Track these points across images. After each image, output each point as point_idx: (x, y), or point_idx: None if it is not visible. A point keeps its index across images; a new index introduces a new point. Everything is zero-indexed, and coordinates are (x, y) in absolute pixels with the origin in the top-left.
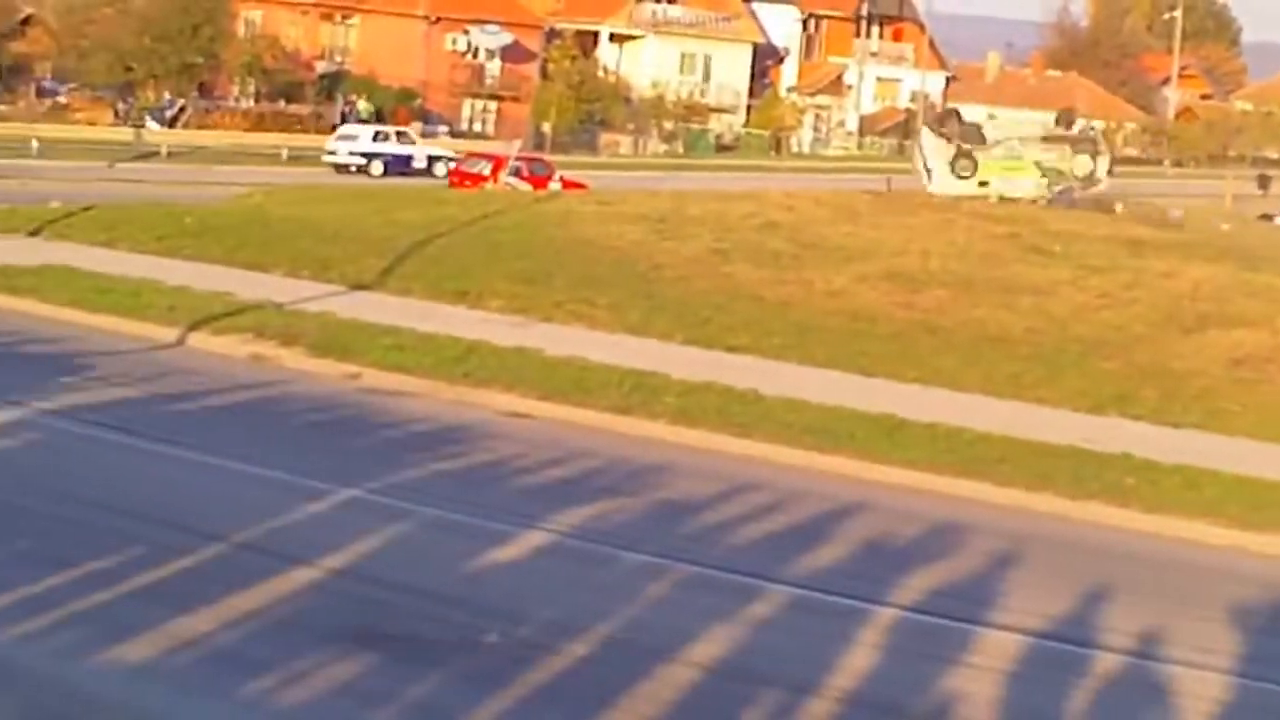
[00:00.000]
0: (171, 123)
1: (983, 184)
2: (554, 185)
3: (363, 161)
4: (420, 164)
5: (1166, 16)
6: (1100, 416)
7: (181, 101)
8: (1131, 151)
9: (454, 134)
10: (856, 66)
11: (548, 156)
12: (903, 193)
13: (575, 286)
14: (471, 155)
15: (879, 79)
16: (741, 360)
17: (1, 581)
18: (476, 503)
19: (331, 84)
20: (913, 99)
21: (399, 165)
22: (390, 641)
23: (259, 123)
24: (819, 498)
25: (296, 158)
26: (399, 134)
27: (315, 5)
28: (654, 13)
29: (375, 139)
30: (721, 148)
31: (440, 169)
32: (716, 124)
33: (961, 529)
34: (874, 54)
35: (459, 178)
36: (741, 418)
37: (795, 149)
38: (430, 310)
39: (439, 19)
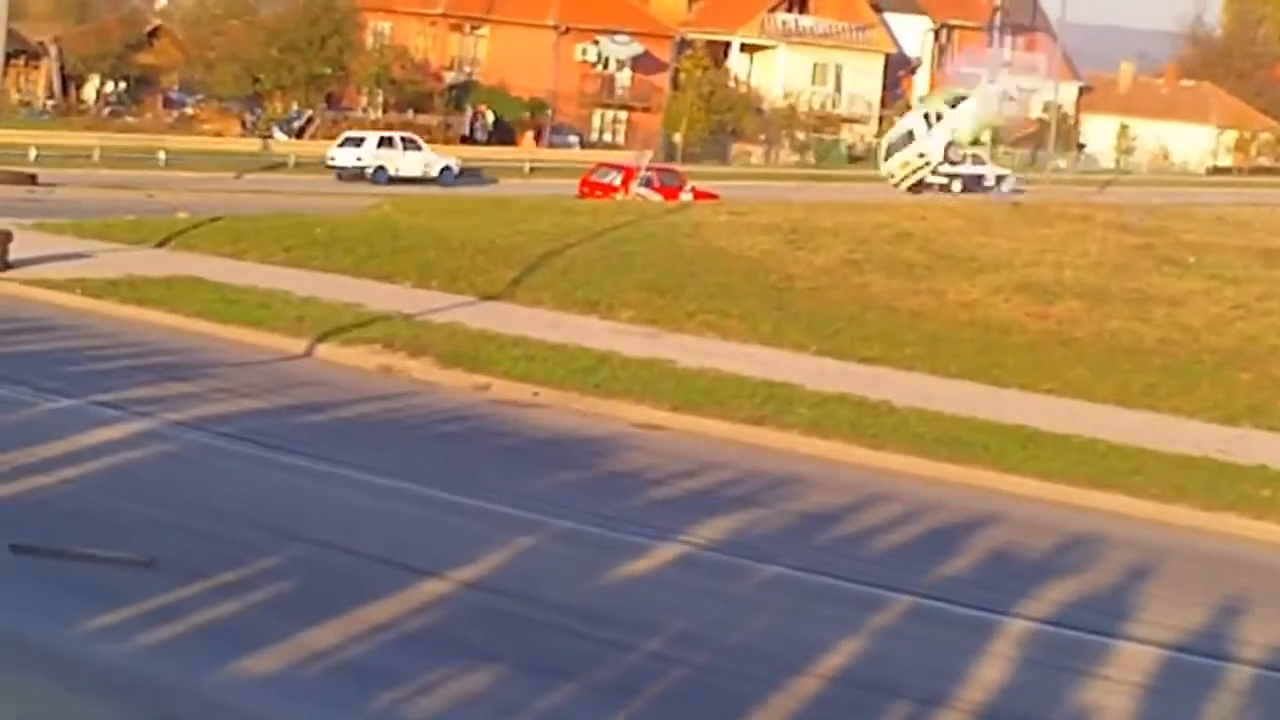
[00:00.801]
0: (299, 134)
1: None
2: (685, 196)
3: (364, 166)
4: (431, 173)
5: None
6: (1235, 428)
7: (309, 112)
8: (1264, 161)
9: (584, 145)
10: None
11: (679, 167)
12: (1037, 203)
13: (707, 297)
14: (601, 165)
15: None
16: (874, 371)
17: (134, 591)
18: (609, 515)
19: (460, 94)
20: (1045, 109)
21: (409, 172)
22: (521, 654)
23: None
24: (952, 509)
25: None
26: (405, 141)
27: (444, 16)
28: (785, 23)
29: (380, 145)
30: (854, 158)
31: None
32: (848, 134)
33: (1095, 541)
34: (1006, 64)
35: (589, 188)
36: (874, 429)
37: None
38: (560, 321)
39: (569, 29)
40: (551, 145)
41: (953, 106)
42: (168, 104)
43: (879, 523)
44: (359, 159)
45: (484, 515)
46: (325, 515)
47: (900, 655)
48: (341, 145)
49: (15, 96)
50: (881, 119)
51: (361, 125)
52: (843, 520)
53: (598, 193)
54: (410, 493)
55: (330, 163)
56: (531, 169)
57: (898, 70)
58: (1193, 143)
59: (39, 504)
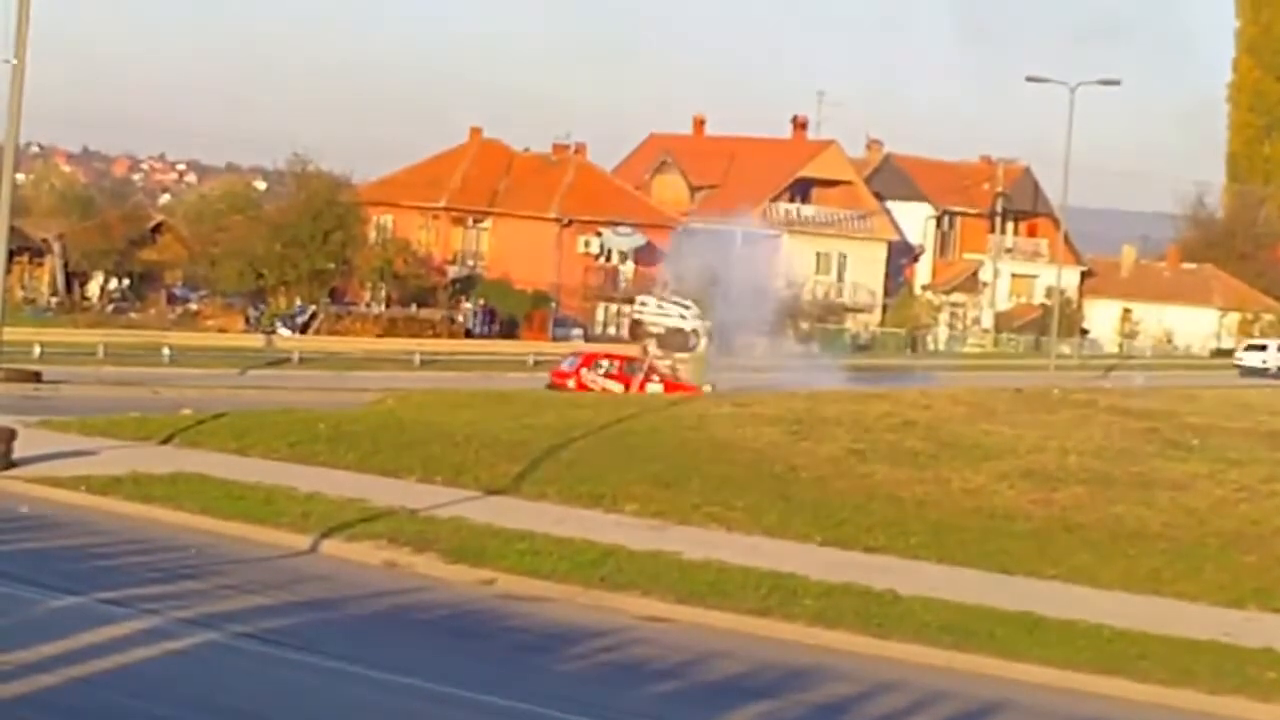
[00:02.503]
0: (303, 329)
1: None
2: (652, 387)
3: None
4: None
5: None
6: (1241, 611)
7: (313, 307)
8: (1269, 342)
9: (588, 337)
10: (991, 263)
11: (643, 356)
12: (1040, 390)
13: (712, 489)
14: (574, 354)
15: (1014, 275)
16: (879, 560)
17: None
18: (618, 709)
19: (464, 288)
20: (1048, 294)
21: None
22: None
23: (391, 328)
24: (960, 698)
25: (429, 362)
26: None
27: (447, 209)
28: (788, 212)
29: None
30: (858, 347)
31: None
32: (852, 323)
33: None
34: (1008, 250)
35: (556, 377)
36: (880, 618)
37: (931, 347)
38: (565, 515)
39: (571, 221)
40: (555, 338)
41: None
42: (171, 300)
43: (889, 713)
44: None
45: (493, 711)
46: (333, 713)
47: None
48: None
49: (19, 294)
50: (885, 307)
51: (365, 320)
52: (853, 712)
53: (565, 381)
54: (419, 689)
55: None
56: (536, 362)
57: (900, 258)
58: (1196, 325)
59: (45, 704)
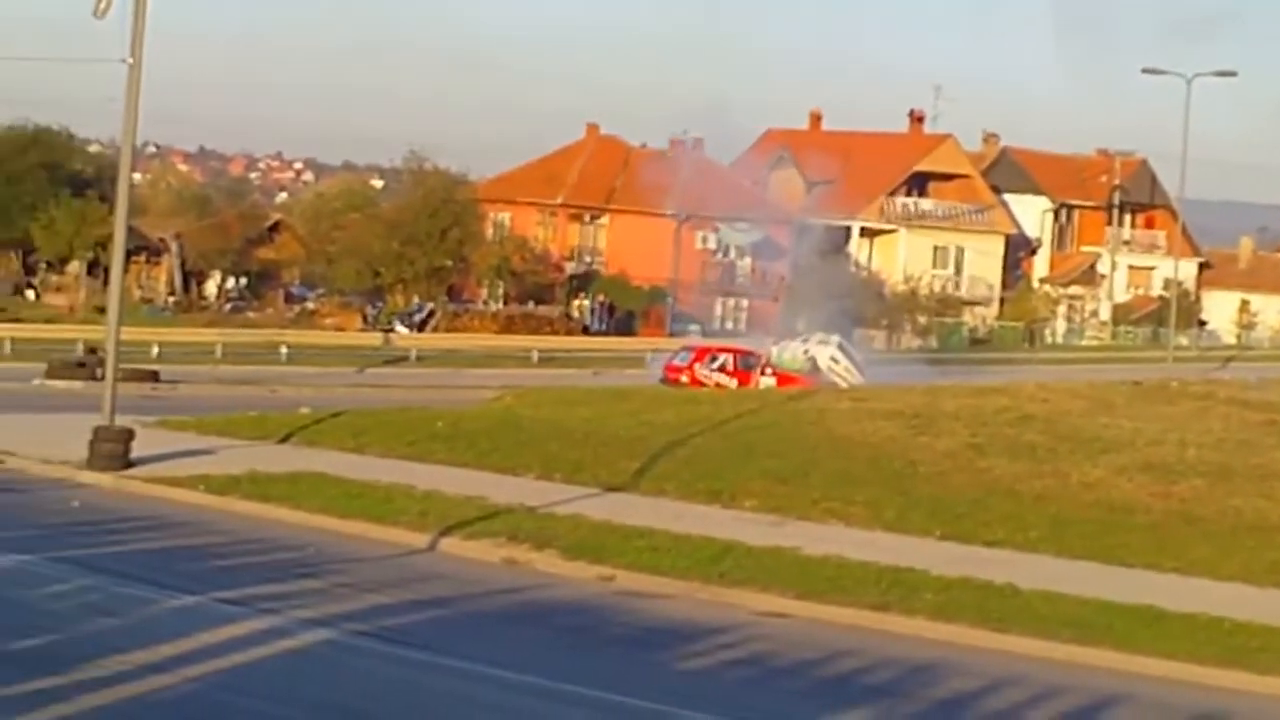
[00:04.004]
0: (421, 327)
1: None
2: (765, 380)
3: None
4: None
5: None
6: None
7: (430, 305)
8: None
9: (706, 333)
10: (1109, 255)
11: (758, 350)
12: (1158, 382)
13: (830, 484)
14: (684, 349)
15: (1131, 267)
16: (999, 554)
17: None
18: (739, 705)
19: (581, 284)
20: (1166, 286)
21: None
22: None
23: (508, 325)
24: (1079, 692)
25: (547, 359)
26: None
27: (564, 206)
28: (905, 206)
29: None
30: (975, 341)
31: None
32: (970, 317)
33: None
34: (1126, 242)
35: (670, 372)
36: (999, 613)
37: (1049, 340)
38: (684, 511)
39: (688, 217)
40: (673, 334)
41: None
42: (289, 299)
43: (1009, 708)
44: None
45: (613, 708)
46: (452, 711)
47: None
48: None
49: (137, 294)
50: (1003, 301)
51: (483, 317)
52: (974, 707)
53: (679, 375)
54: (538, 687)
55: None
56: (654, 360)
57: (1018, 251)
58: None
59: (163, 703)
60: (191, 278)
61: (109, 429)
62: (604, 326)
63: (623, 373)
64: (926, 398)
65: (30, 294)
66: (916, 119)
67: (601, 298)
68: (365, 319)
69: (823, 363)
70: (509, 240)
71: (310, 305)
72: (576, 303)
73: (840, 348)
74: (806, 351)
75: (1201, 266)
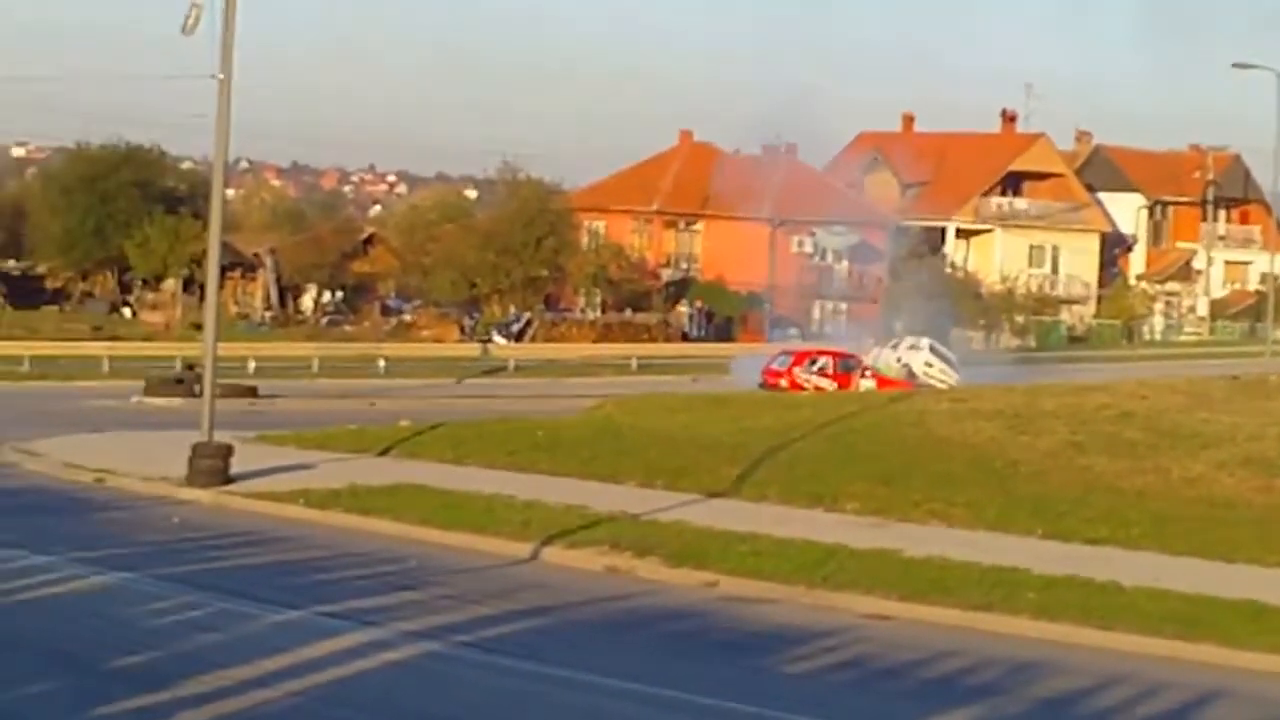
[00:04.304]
0: (518, 336)
1: None
2: (865, 383)
3: None
4: None
5: None
6: None
7: (528, 315)
8: None
9: (805, 337)
10: (1204, 251)
11: (855, 352)
12: (1257, 377)
13: (932, 485)
14: (783, 353)
15: (1227, 262)
16: (1101, 552)
17: None
18: (846, 708)
19: (678, 291)
20: (1262, 281)
21: None
22: None
23: (606, 333)
24: (1184, 688)
25: (646, 367)
26: None
27: (659, 213)
28: (1000, 206)
29: None
30: (1073, 339)
31: None
32: (1067, 315)
33: None
34: (1221, 238)
35: (769, 376)
36: (1103, 610)
37: (1147, 337)
38: (786, 515)
39: (784, 222)
40: (771, 339)
41: None
42: (385, 311)
43: (1115, 705)
44: None
45: (719, 714)
46: None
47: None
48: None
49: (233, 309)
50: (1100, 298)
51: (580, 326)
52: (1079, 704)
53: (778, 380)
54: (643, 694)
55: None
56: (737, 365)
57: (1114, 249)
58: None
59: (265, 718)
60: (287, 292)
61: (208, 445)
62: (702, 333)
63: (721, 379)
64: (1026, 397)
65: (127, 312)
66: (1009, 118)
67: (699, 304)
68: (462, 330)
69: (918, 369)
70: (605, 248)
71: (407, 317)
72: (679, 308)
73: (932, 349)
74: (899, 359)
75: None
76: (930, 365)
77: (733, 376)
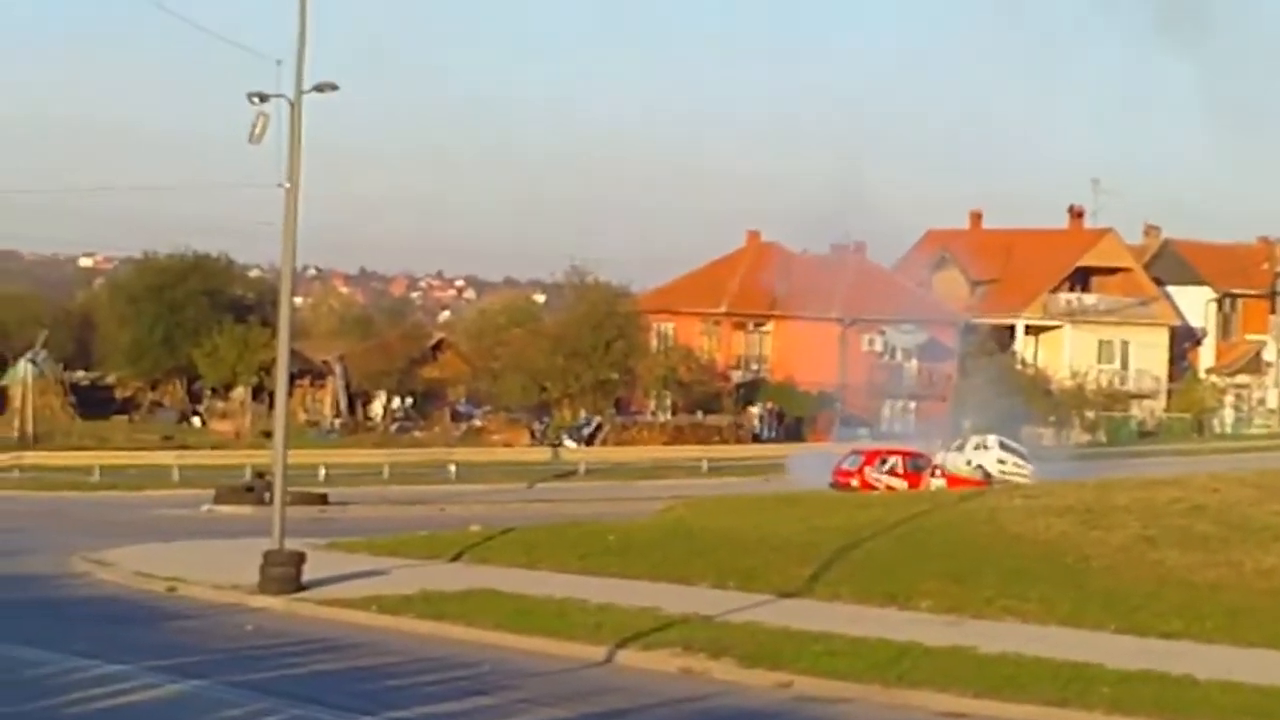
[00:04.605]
0: (589, 440)
1: None
2: (936, 482)
3: None
4: None
5: None
6: None
7: (598, 418)
8: None
9: (875, 435)
10: (1274, 343)
11: (925, 450)
12: None
13: (1005, 581)
14: (853, 452)
15: None
16: (1176, 646)
17: None
18: None
19: (749, 392)
20: None
21: None
22: None
23: (677, 435)
24: None
25: (717, 469)
26: None
27: (728, 314)
28: (1069, 302)
29: None
30: (1144, 434)
31: None
32: (1138, 410)
33: None
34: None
35: (840, 476)
36: (1178, 704)
37: (1218, 430)
38: (859, 614)
39: (854, 321)
40: (841, 438)
41: None
42: (455, 417)
43: None
44: None
45: None
46: None
47: None
48: None
49: (302, 417)
50: (1170, 392)
51: (651, 429)
52: None
53: (849, 480)
54: None
55: None
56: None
57: (1183, 342)
58: None
59: None
60: (356, 399)
61: (279, 553)
62: (773, 434)
63: (784, 478)
64: (1098, 492)
65: (196, 421)
66: (1076, 214)
67: (770, 405)
68: (533, 434)
69: (992, 467)
70: (674, 351)
71: (477, 422)
72: (753, 410)
73: (1002, 445)
74: (969, 461)
75: None
76: (1003, 462)
77: (791, 475)
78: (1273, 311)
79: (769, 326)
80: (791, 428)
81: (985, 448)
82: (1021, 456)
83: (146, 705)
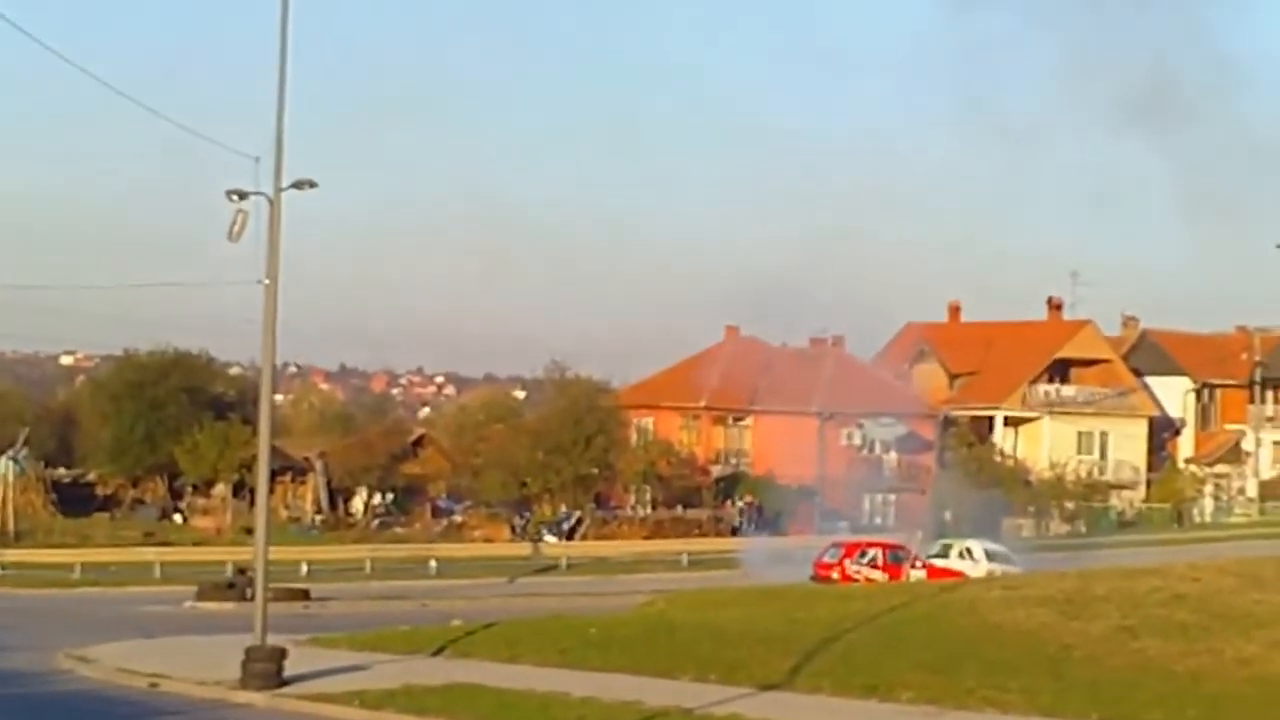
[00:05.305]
0: (569, 535)
1: None
2: (915, 573)
3: None
4: None
5: None
6: None
7: (578, 513)
8: None
9: (855, 529)
10: (1252, 433)
11: (905, 543)
12: None
13: (985, 672)
14: (833, 545)
15: (1275, 443)
16: None
17: None
18: None
19: (729, 486)
20: None
21: None
22: None
23: (657, 530)
24: None
25: (697, 562)
26: None
27: (707, 409)
28: (1048, 393)
29: None
30: (1124, 523)
31: None
32: (1117, 500)
33: None
34: (1269, 419)
35: (819, 569)
36: None
37: (1197, 519)
38: (841, 706)
39: (832, 415)
40: (821, 531)
41: None
42: (436, 512)
43: None
44: None
45: None
46: None
47: None
48: None
49: (283, 513)
50: (1149, 482)
51: (631, 523)
52: None
53: (829, 572)
54: None
55: None
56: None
57: (1162, 433)
58: None
59: None
60: (338, 496)
61: (261, 648)
62: (753, 527)
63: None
64: (1078, 582)
65: (178, 517)
66: (1054, 306)
67: (749, 498)
68: (513, 529)
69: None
70: (654, 445)
71: (458, 518)
72: (733, 504)
73: (987, 553)
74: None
75: None
76: (994, 571)
77: (747, 570)
78: (1251, 401)
79: (748, 421)
80: (771, 521)
81: (971, 557)
82: (1009, 560)
83: None
